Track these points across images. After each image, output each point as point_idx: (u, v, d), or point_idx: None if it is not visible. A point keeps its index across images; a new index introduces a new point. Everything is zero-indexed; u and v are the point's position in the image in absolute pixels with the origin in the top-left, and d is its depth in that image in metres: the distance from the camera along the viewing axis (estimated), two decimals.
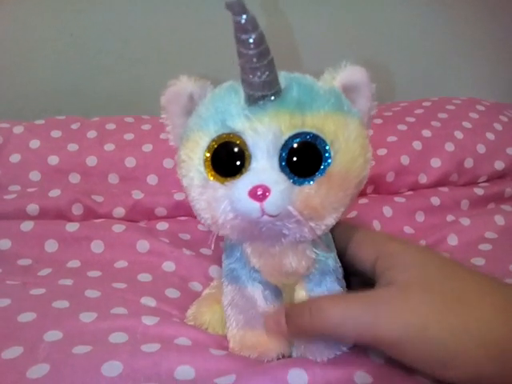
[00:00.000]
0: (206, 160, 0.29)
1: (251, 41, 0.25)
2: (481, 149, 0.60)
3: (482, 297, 0.28)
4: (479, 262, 0.46)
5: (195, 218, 0.53)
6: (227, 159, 0.29)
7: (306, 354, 0.32)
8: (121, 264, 0.45)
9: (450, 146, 0.60)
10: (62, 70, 0.77)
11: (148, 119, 0.65)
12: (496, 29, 0.85)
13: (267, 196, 0.26)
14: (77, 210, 0.52)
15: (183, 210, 0.54)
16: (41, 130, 0.61)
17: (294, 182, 0.28)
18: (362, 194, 0.58)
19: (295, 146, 0.28)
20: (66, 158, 0.58)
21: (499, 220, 0.52)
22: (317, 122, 0.29)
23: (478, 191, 0.58)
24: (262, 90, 0.28)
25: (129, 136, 0.61)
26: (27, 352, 0.32)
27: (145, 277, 0.43)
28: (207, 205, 0.29)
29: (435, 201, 0.56)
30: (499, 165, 0.60)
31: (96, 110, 0.67)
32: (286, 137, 0.28)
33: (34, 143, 0.59)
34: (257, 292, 0.33)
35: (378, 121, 0.64)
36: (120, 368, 0.30)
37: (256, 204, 0.27)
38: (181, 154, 0.31)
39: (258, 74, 0.27)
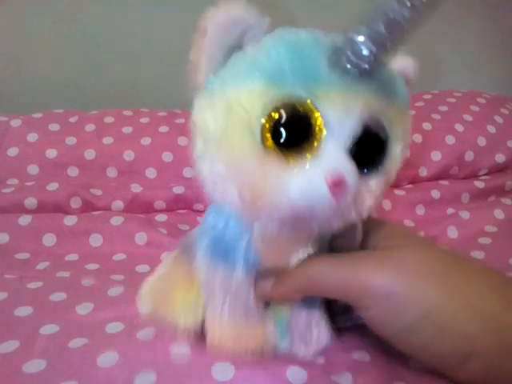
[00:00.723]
0: (267, 121, 0.23)
1: (414, 4, 0.20)
2: (481, 142, 0.60)
3: (482, 271, 0.27)
4: (479, 255, 0.46)
5: (194, 211, 0.54)
6: (296, 129, 0.23)
7: (297, 344, 0.31)
8: (119, 256, 0.45)
9: (450, 139, 0.59)
10: (60, 63, 0.77)
11: (146, 112, 0.65)
12: (497, 21, 0.85)
13: (345, 189, 0.23)
14: (75, 203, 0.51)
15: (182, 204, 0.54)
16: (39, 124, 0.61)
17: (361, 173, 0.25)
18: None
19: (368, 134, 0.24)
20: (64, 151, 0.57)
21: (499, 213, 0.51)
22: (394, 115, 0.25)
23: (479, 184, 0.57)
24: (370, 64, 0.22)
25: (127, 129, 0.61)
26: (23, 346, 0.31)
27: (143, 268, 0.43)
28: (257, 178, 0.23)
29: (435, 194, 0.55)
30: (500, 158, 0.60)
31: (94, 104, 0.67)
32: (363, 122, 0.24)
33: (32, 136, 0.58)
34: (243, 275, 0.29)
35: None
36: (116, 358, 0.30)
37: (331, 197, 0.22)
38: (217, 104, 0.24)
39: (386, 45, 0.22)
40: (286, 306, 0.31)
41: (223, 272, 0.29)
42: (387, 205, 0.54)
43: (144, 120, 0.62)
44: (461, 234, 0.49)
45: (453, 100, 0.67)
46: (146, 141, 0.59)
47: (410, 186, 0.58)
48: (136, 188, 0.54)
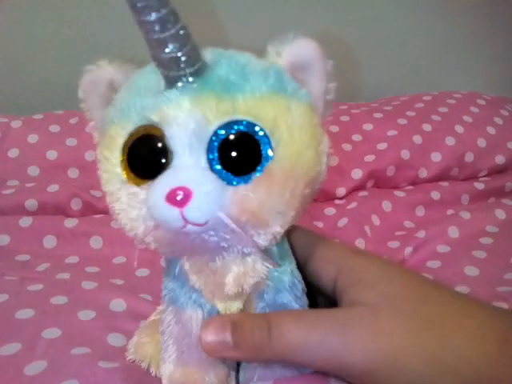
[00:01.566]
0: (122, 159, 0.24)
1: (147, 3, 0.20)
2: (481, 143, 0.60)
3: (458, 323, 0.24)
4: (480, 255, 0.46)
5: None
6: (146, 157, 0.23)
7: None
8: (119, 260, 0.45)
9: (450, 141, 0.60)
10: (60, 64, 0.76)
11: None
12: (497, 22, 0.85)
13: (188, 200, 0.21)
14: (76, 204, 0.51)
15: None
16: (39, 125, 0.61)
17: (226, 182, 0.22)
18: (362, 187, 0.58)
19: (226, 137, 0.22)
20: (65, 152, 0.58)
21: (500, 214, 0.51)
22: (251, 107, 0.23)
23: (479, 186, 0.57)
24: (177, 68, 0.22)
25: None
26: (25, 349, 0.32)
27: (143, 272, 0.43)
28: (124, 213, 0.24)
29: (435, 195, 0.56)
30: (500, 159, 0.60)
31: None
32: (213, 126, 0.22)
33: (33, 138, 0.59)
34: (194, 317, 0.27)
35: (379, 115, 0.64)
36: (117, 364, 0.30)
37: (175, 210, 0.21)
38: (97, 152, 0.26)
39: (166, 47, 0.21)
40: None
41: (172, 315, 0.28)
42: (387, 206, 0.54)
43: None
44: (462, 234, 0.49)
45: (453, 101, 0.67)
46: None
47: (410, 187, 0.58)
48: None
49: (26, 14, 0.73)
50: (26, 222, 0.47)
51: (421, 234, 0.49)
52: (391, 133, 0.60)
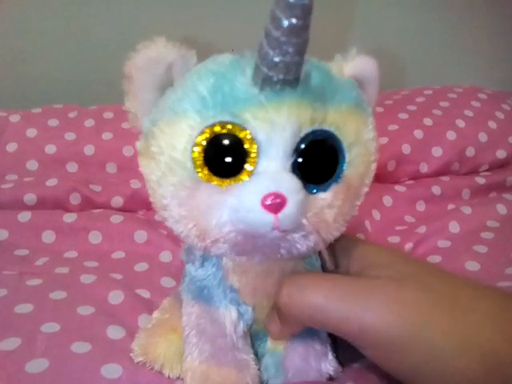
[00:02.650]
0: (197, 154, 0.23)
1: (296, 4, 0.19)
2: (482, 137, 0.60)
3: (474, 301, 0.25)
4: (482, 249, 0.45)
5: None
6: (227, 155, 0.23)
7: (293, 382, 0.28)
8: (118, 254, 0.45)
9: (451, 135, 0.59)
10: (59, 58, 0.76)
11: None
12: (498, 17, 0.84)
13: (283, 207, 0.22)
14: (74, 199, 0.51)
15: None
16: (38, 119, 0.60)
17: (308, 190, 0.23)
18: None
19: (311, 145, 0.23)
20: (64, 146, 0.57)
21: (501, 209, 0.51)
22: (338, 119, 0.24)
23: (480, 180, 0.57)
24: (286, 72, 0.22)
25: (127, 125, 0.59)
26: (25, 344, 0.31)
27: (141, 266, 0.43)
28: (192, 212, 0.23)
29: (436, 190, 0.55)
30: (501, 153, 0.60)
31: (93, 99, 0.67)
32: (302, 134, 0.23)
33: (31, 132, 0.58)
34: (228, 317, 0.27)
35: (379, 109, 0.63)
36: (120, 370, 0.30)
37: (270, 216, 0.21)
38: (152, 142, 0.24)
39: (289, 50, 0.21)
40: (282, 343, 0.29)
41: (202, 312, 0.28)
42: (388, 201, 0.54)
43: None
44: (463, 229, 0.49)
45: (454, 96, 0.66)
46: None
47: (411, 182, 0.58)
48: (135, 184, 0.54)
49: (26, 9, 0.73)
50: (24, 216, 0.47)
51: (421, 228, 0.49)
52: (392, 127, 0.60)
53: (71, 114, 0.61)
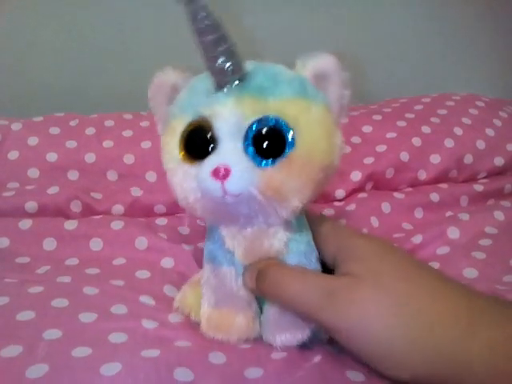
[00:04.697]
0: (179, 144, 0.31)
1: (204, 27, 0.27)
2: (480, 145, 0.60)
3: (431, 304, 0.28)
4: (480, 255, 0.46)
5: None
6: (197, 143, 0.30)
7: (273, 333, 0.34)
8: (119, 261, 0.45)
9: (449, 143, 0.60)
10: (60, 67, 0.77)
11: (147, 116, 0.65)
12: (495, 25, 0.85)
13: (228, 175, 0.28)
14: (75, 207, 0.52)
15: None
16: (39, 127, 0.61)
17: (257, 165, 0.29)
18: (362, 189, 0.58)
19: (258, 129, 0.29)
20: (65, 154, 0.58)
21: (499, 215, 0.51)
22: (279, 107, 0.30)
23: (478, 187, 0.57)
24: (225, 76, 0.29)
25: (127, 133, 0.61)
26: (26, 351, 0.32)
27: (143, 273, 0.43)
28: (180, 185, 0.31)
29: (434, 197, 0.56)
30: (499, 161, 0.60)
31: (95, 107, 0.67)
32: (249, 121, 0.29)
33: (33, 140, 0.59)
34: (229, 272, 0.34)
35: (378, 117, 0.64)
36: (119, 367, 0.30)
37: (217, 183, 0.28)
38: (162, 140, 0.33)
39: (219, 60, 0.28)
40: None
41: (211, 270, 0.35)
42: (387, 208, 0.54)
43: (144, 124, 0.63)
44: (461, 235, 0.49)
45: (452, 103, 0.67)
46: (147, 144, 0.59)
47: (409, 189, 0.58)
48: (136, 191, 0.54)
49: (27, 18, 0.74)
50: (25, 224, 0.47)
51: (419, 236, 0.49)
52: (390, 135, 0.60)
53: (72, 123, 0.62)
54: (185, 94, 0.33)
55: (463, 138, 0.60)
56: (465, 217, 0.51)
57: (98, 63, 0.77)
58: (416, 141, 0.59)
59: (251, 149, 0.29)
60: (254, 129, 0.29)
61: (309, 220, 0.35)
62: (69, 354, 0.31)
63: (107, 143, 0.59)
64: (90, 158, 0.58)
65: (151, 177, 0.57)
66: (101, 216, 0.51)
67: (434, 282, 0.30)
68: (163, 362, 0.31)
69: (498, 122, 0.63)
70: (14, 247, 0.46)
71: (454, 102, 0.67)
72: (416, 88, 0.77)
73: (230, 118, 0.29)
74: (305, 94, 0.31)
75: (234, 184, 0.28)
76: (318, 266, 0.34)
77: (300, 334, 0.33)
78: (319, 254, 0.34)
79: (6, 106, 0.73)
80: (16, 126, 0.60)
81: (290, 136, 0.29)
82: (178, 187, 0.32)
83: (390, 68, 0.82)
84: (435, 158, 0.59)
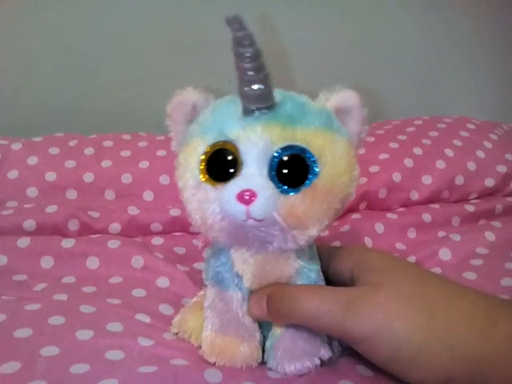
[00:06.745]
0: (200, 163, 0.31)
1: (248, 55, 0.27)
2: (471, 166, 0.61)
3: (450, 302, 0.30)
4: (471, 276, 0.46)
5: (190, 233, 0.55)
6: (220, 164, 0.30)
7: (282, 361, 0.33)
8: (116, 280, 0.46)
9: (441, 164, 0.61)
10: (60, 88, 0.78)
11: (145, 136, 0.66)
12: (486, 48, 0.87)
13: (253, 200, 0.28)
14: (73, 225, 0.52)
15: (179, 226, 0.55)
16: (39, 147, 0.62)
17: (281, 191, 0.29)
18: (355, 209, 0.59)
19: (284, 157, 0.30)
20: (64, 174, 0.58)
21: (490, 236, 0.52)
22: (306, 136, 0.30)
23: (469, 208, 0.58)
24: (257, 102, 0.30)
25: (125, 153, 0.62)
26: (25, 367, 0.32)
27: (139, 292, 0.43)
28: (198, 206, 0.31)
29: (426, 217, 0.56)
30: (489, 182, 0.61)
31: (94, 128, 0.68)
32: (276, 147, 0.30)
33: (32, 160, 0.59)
34: (235, 297, 0.34)
35: (371, 139, 0.65)
36: (116, 383, 0.31)
37: (242, 207, 0.28)
38: (180, 157, 0.33)
39: (253, 86, 0.29)
40: (282, 326, 0.34)
41: (216, 293, 0.35)
42: (380, 228, 0.55)
43: (142, 144, 0.64)
44: (453, 256, 0.50)
45: (443, 126, 0.68)
46: (144, 164, 0.60)
47: (402, 209, 0.59)
48: (133, 210, 0.55)
49: (26, 37, 0.75)
50: (23, 242, 0.48)
51: (412, 257, 0.50)
52: (383, 156, 0.62)
53: (71, 143, 0.63)
54: (209, 114, 0.32)
55: (454, 160, 0.61)
56: (456, 237, 0.52)
57: (97, 85, 0.79)
58: (408, 162, 0.61)
59: (276, 175, 0.29)
60: (280, 156, 0.29)
61: (320, 251, 0.36)
62: (67, 371, 0.31)
63: (105, 163, 0.60)
64: (89, 177, 0.58)
65: (148, 196, 0.58)
66: (98, 235, 0.51)
67: (448, 284, 0.31)
68: (159, 378, 0.32)
69: (488, 144, 0.65)
70: (11, 265, 0.46)
71: (445, 125, 0.69)
72: (408, 110, 0.79)
73: (258, 143, 0.29)
74: (331, 126, 0.32)
75: (258, 209, 0.28)
76: None
77: (309, 362, 0.33)
78: (336, 277, 0.35)
79: (6, 126, 0.74)
80: (16, 146, 0.61)
81: (315, 166, 0.30)
82: (195, 207, 0.31)
83: (383, 91, 0.83)
84: (427, 179, 0.60)
